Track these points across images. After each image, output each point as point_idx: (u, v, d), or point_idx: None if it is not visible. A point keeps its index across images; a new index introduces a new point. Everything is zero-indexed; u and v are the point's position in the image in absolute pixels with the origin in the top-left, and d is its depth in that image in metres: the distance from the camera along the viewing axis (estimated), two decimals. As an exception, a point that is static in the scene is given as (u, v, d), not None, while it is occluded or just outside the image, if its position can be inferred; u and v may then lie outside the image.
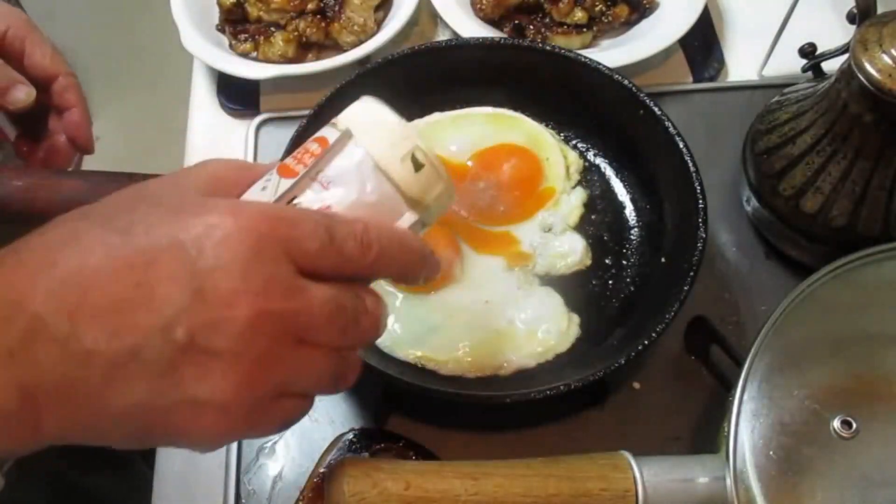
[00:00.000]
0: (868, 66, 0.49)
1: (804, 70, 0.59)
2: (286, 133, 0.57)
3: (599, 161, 0.63)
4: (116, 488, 0.80)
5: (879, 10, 0.52)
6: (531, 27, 0.72)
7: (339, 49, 0.72)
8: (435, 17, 0.74)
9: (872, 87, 0.49)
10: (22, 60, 0.54)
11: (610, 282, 0.58)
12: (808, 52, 0.59)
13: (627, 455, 0.43)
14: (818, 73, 0.59)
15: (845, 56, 0.52)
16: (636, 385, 0.57)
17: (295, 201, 0.34)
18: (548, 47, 0.62)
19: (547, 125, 0.63)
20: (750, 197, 0.61)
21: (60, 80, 0.56)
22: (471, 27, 0.70)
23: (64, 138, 0.57)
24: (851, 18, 0.53)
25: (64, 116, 0.57)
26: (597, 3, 0.71)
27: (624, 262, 0.58)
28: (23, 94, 0.54)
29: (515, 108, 0.64)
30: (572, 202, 0.60)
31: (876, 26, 0.50)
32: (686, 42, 0.72)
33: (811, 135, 0.55)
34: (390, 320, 0.55)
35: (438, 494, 0.40)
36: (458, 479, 0.41)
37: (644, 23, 0.73)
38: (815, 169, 0.55)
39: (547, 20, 0.72)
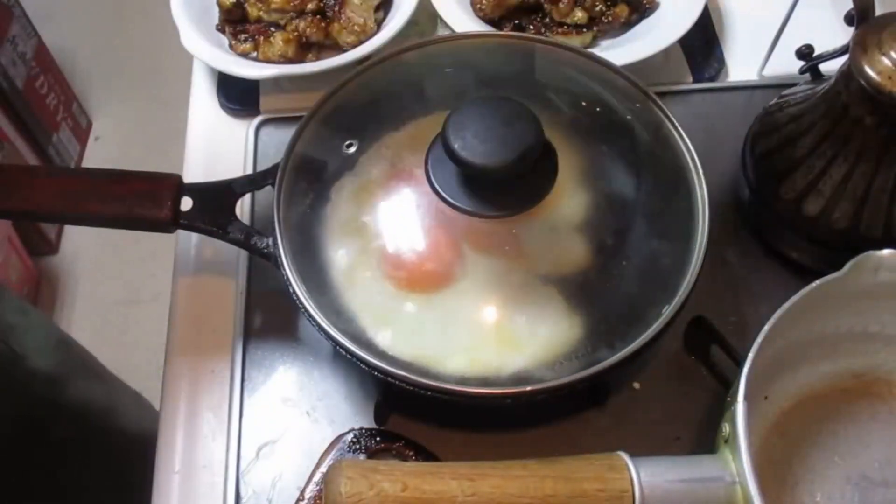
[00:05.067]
0: (867, 69, 0.49)
1: (802, 72, 0.59)
2: (286, 133, 0.57)
3: (601, 160, 0.62)
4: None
5: (878, 12, 0.52)
6: (531, 27, 0.72)
7: (339, 49, 0.72)
8: (435, 17, 0.74)
9: (872, 89, 0.49)
10: None
11: (610, 282, 0.57)
12: (805, 53, 0.59)
13: (624, 455, 0.43)
14: (816, 75, 0.59)
15: (844, 58, 0.52)
16: (636, 385, 0.57)
17: None
18: (548, 47, 0.62)
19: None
20: (751, 199, 0.61)
21: None
22: (471, 27, 0.70)
23: None
24: (849, 20, 0.53)
25: None
26: (597, 3, 0.71)
27: (624, 263, 0.58)
28: None
29: (515, 108, 0.64)
30: (573, 202, 0.60)
31: (875, 29, 0.50)
32: (686, 42, 0.71)
33: (812, 137, 0.55)
34: (391, 320, 0.55)
35: (435, 495, 0.40)
36: (455, 480, 0.41)
37: (644, 23, 0.73)
38: (816, 172, 0.55)
39: (547, 20, 0.72)
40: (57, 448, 0.72)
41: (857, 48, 0.50)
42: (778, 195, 0.57)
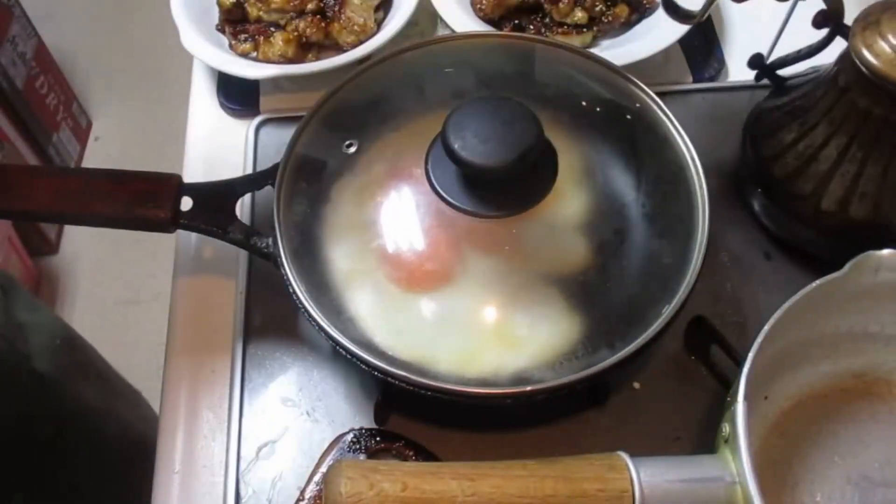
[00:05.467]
0: (869, 57, 0.49)
1: (757, 80, 0.60)
2: (286, 133, 0.57)
3: (601, 160, 0.62)
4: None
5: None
6: (531, 27, 0.72)
7: (339, 49, 0.72)
8: (435, 17, 0.74)
9: (874, 76, 0.49)
10: None
11: (610, 282, 0.57)
12: (756, 63, 0.59)
13: (624, 455, 0.43)
14: (776, 81, 0.60)
15: (803, 63, 0.53)
16: (636, 385, 0.57)
17: None
18: (548, 47, 0.62)
19: (547, 124, 0.63)
20: (778, 219, 0.60)
21: None
22: (471, 27, 0.70)
23: None
24: (818, 23, 0.53)
25: None
26: (597, 3, 0.71)
27: (624, 262, 0.58)
28: None
29: (515, 108, 0.64)
30: (573, 202, 0.60)
31: (871, 27, 0.50)
32: (686, 42, 0.72)
33: (835, 146, 0.54)
34: (391, 320, 0.55)
35: (435, 495, 0.40)
36: (455, 479, 0.41)
37: (644, 23, 0.73)
38: (852, 177, 0.54)
39: (547, 20, 0.72)
40: (56, 448, 0.73)
41: (866, 52, 0.50)
42: (820, 210, 0.56)
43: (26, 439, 0.69)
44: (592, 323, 0.56)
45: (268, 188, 0.56)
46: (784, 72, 0.61)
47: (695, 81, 0.72)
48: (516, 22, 0.72)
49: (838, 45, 0.55)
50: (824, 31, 0.54)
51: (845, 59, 0.52)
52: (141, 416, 0.93)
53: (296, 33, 0.71)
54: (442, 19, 0.72)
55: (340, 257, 0.57)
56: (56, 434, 0.73)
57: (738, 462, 0.43)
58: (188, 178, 0.58)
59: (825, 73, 0.56)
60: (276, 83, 0.72)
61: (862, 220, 0.55)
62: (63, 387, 0.75)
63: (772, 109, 0.59)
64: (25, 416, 0.69)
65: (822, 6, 0.53)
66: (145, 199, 0.54)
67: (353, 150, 0.58)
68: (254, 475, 0.54)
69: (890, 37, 0.49)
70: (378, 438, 0.54)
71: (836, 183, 0.55)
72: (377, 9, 0.73)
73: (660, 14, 0.73)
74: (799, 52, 0.58)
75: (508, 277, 0.57)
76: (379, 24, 0.73)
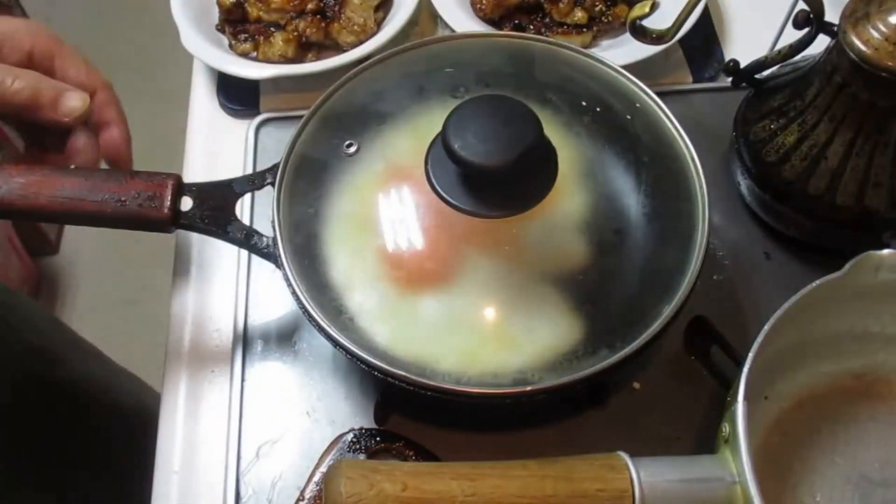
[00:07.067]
0: (885, 59, 0.49)
1: (735, 86, 0.60)
2: (286, 133, 0.57)
3: (601, 160, 0.62)
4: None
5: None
6: (531, 27, 0.72)
7: (339, 49, 0.72)
8: (435, 17, 0.74)
9: (863, 62, 0.50)
10: (54, 78, 0.51)
11: (610, 282, 0.57)
12: (731, 70, 0.59)
13: (624, 455, 0.43)
14: (756, 85, 0.60)
15: (779, 65, 0.53)
16: (636, 385, 0.57)
17: None
18: (548, 47, 0.62)
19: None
20: (787, 218, 0.60)
21: (99, 95, 0.52)
22: (471, 27, 0.70)
23: (88, 156, 0.53)
24: (799, 23, 0.54)
25: (102, 134, 0.54)
26: (597, 3, 0.71)
27: (624, 262, 0.58)
28: (78, 102, 0.50)
29: (515, 108, 0.64)
30: (573, 202, 0.60)
31: (862, 21, 0.50)
32: (686, 42, 0.72)
33: (841, 143, 0.55)
34: (391, 320, 0.55)
35: (435, 495, 0.40)
36: (455, 480, 0.41)
37: (644, 22, 0.73)
38: (863, 170, 0.55)
39: (547, 20, 0.72)
40: (52, 422, 0.72)
41: (851, 34, 0.50)
42: (835, 205, 0.56)
43: (22, 411, 0.68)
44: (592, 323, 0.56)
45: (268, 188, 0.56)
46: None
47: (695, 81, 0.72)
48: (516, 22, 0.73)
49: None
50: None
51: (840, 56, 0.52)
52: (143, 388, 0.92)
53: (296, 33, 0.71)
54: (442, 19, 0.72)
55: (340, 257, 0.57)
56: (54, 406, 0.72)
57: (738, 462, 0.43)
58: (188, 178, 0.58)
59: (808, 69, 0.56)
60: (276, 83, 0.72)
61: (879, 208, 0.55)
62: (58, 359, 0.74)
63: (761, 116, 0.59)
64: (20, 389, 0.68)
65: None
66: (145, 199, 0.54)
67: (353, 150, 0.58)
68: (254, 475, 0.54)
69: (881, 26, 0.49)
70: (378, 438, 0.54)
71: (849, 177, 0.55)
72: (377, 9, 0.73)
73: (660, 14, 0.73)
74: (779, 52, 0.58)
75: (508, 277, 0.57)
76: (379, 24, 0.73)
